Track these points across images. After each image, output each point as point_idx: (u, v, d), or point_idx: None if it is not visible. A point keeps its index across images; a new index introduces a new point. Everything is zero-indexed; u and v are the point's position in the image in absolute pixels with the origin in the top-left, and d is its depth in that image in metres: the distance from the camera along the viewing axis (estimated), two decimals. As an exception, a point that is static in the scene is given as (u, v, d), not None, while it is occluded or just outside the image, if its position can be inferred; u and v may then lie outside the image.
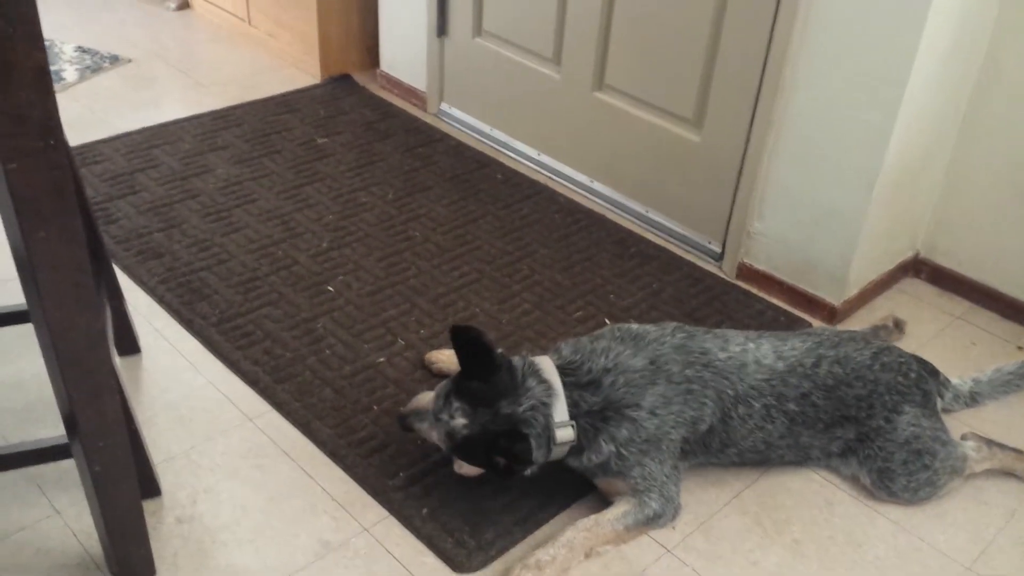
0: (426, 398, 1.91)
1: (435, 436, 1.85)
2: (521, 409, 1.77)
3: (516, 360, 1.83)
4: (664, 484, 1.88)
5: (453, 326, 1.78)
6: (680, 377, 1.88)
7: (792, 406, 1.94)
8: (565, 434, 1.80)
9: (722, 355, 1.93)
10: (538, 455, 1.79)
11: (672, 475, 1.90)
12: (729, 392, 1.91)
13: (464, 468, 1.93)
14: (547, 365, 1.85)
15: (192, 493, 1.91)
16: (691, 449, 1.94)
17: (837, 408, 1.97)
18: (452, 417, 1.79)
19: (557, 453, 1.83)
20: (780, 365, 1.96)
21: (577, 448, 1.84)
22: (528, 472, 1.84)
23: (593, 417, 1.83)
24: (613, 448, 1.84)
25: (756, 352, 1.96)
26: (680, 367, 1.89)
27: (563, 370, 1.85)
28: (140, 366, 2.22)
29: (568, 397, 1.82)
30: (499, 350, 1.81)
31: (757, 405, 1.92)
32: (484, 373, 1.77)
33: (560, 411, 1.80)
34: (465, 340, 1.77)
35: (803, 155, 2.44)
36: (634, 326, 1.98)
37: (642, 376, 1.86)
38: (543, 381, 1.81)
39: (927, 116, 2.37)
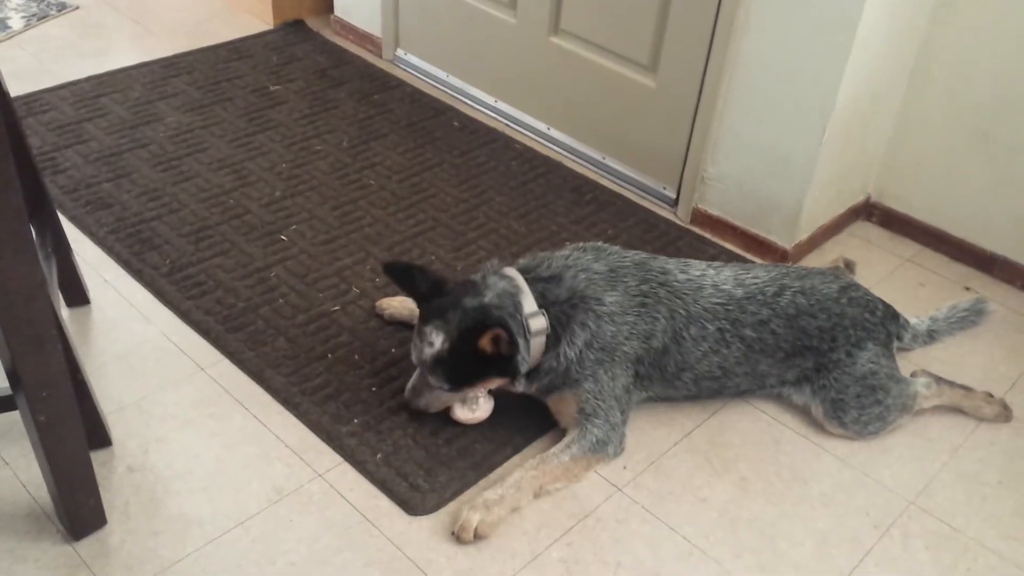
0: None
1: (434, 384, 1.87)
2: (487, 299, 1.83)
3: (472, 276, 1.92)
4: (611, 409, 1.91)
5: (384, 264, 1.89)
6: (636, 291, 1.93)
7: (749, 332, 1.98)
8: (538, 323, 1.84)
9: (681, 276, 1.99)
10: (521, 348, 1.82)
11: (622, 398, 1.93)
12: (681, 312, 1.94)
13: (459, 413, 1.97)
14: (507, 268, 1.91)
15: (144, 443, 1.90)
16: (647, 373, 1.96)
17: (798, 338, 2.01)
18: (432, 344, 1.81)
19: (536, 347, 1.86)
20: (739, 292, 1.99)
21: (554, 340, 1.86)
22: (521, 373, 1.87)
23: (562, 306, 1.88)
24: (588, 336, 1.87)
25: (715, 277, 2.01)
26: (637, 281, 1.94)
27: (523, 270, 1.91)
28: (90, 317, 2.20)
29: (533, 290, 1.86)
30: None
31: (711, 328, 1.96)
32: (440, 290, 1.85)
33: (529, 303, 1.85)
34: (399, 271, 1.87)
35: (756, 100, 2.43)
36: (599, 243, 2.03)
37: (602, 278, 1.92)
38: (504, 276, 1.87)
39: (878, 60, 2.37)
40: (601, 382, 1.90)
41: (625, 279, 1.93)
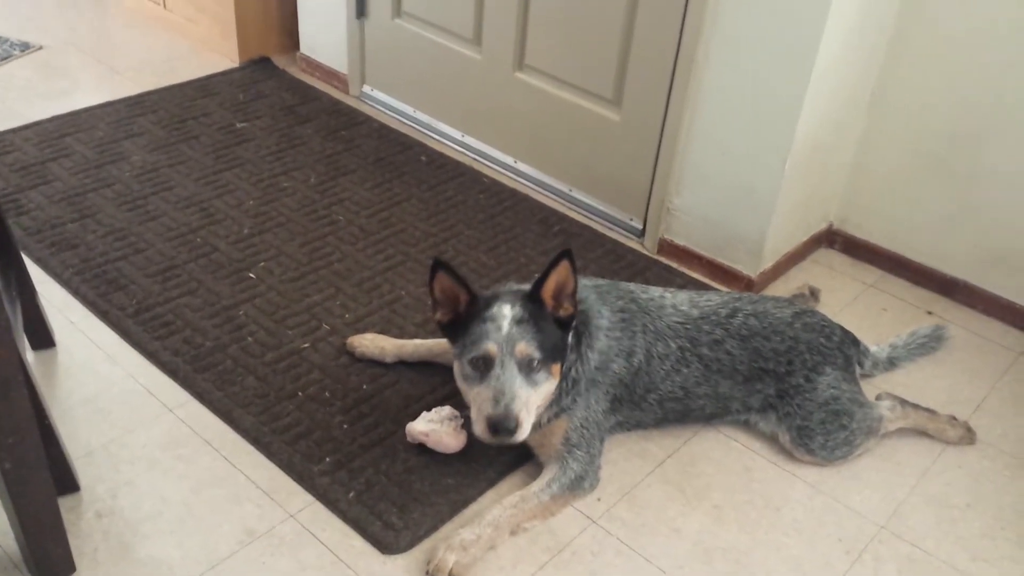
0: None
1: (525, 352, 1.76)
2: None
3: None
4: (592, 439, 1.93)
5: (435, 260, 1.87)
6: (616, 306, 1.99)
7: (705, 351, 2.03)
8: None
9: (643, 296, 2.06)
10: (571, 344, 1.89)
11: (602, 424, 1.96)
12: (650, 327, 2.00)
13: (417, 427, 1.97)
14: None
15: (112, 487, 1.88)
16: (619, 396, 1.99)
17: (754, 360, 2.05)
18: (505, 315, 1.79)
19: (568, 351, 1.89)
20: (694, 312, 2.06)
21: (575, 342, 1.90)
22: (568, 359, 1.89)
23: (580, 313, 1.92)
24: (601, 347, 1.92)
25: (673, 299, 2.08)
26: (615, 298, 2.01)
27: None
28: (55, 360, 2.17)
29: None
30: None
31: (673, 346, 2.01)
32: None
33: None
34: (448, 267, 1.87)
35: (718, 133, 2.48)
36: None
37: (594, 290, 2.00)
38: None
39: (837, 91, 2.42)
40: (590, 408, 1.94)
41: (606, 296, 2.01)
